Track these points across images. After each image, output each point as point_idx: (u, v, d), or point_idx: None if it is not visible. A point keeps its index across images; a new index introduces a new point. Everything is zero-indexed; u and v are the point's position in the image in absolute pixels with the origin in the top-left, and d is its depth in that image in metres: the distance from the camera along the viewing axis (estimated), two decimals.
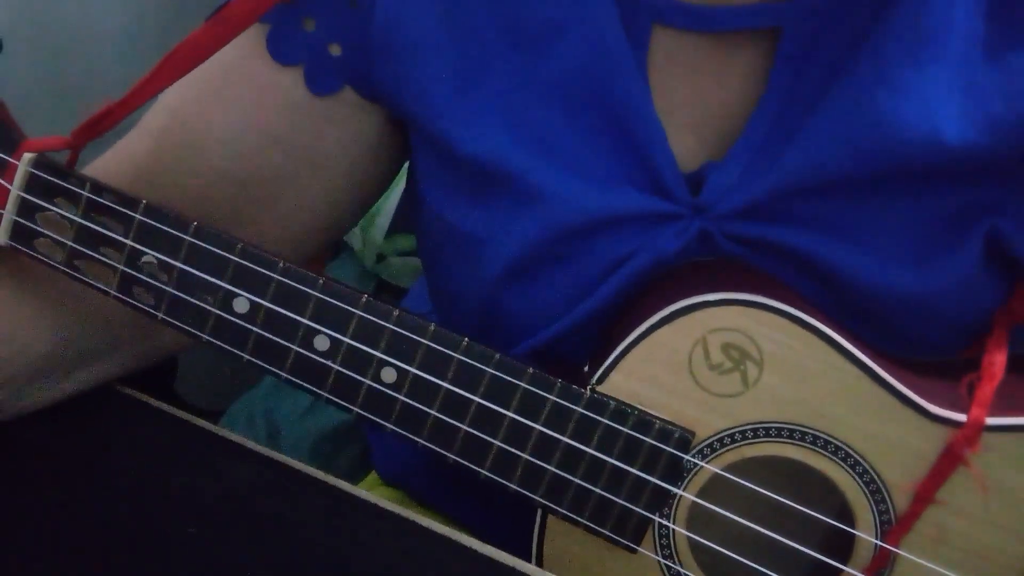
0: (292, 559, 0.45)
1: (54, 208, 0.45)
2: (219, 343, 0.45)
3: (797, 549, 0.43)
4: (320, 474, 0.49)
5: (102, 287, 0.45)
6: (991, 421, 0.41)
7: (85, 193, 0.45)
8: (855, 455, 0.42)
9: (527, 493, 0.44)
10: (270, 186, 0.52)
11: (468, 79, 0.47)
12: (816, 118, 0.44)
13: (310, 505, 0.47)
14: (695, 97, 0.47)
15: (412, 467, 0.66)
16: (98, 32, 0.92)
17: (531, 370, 0.43)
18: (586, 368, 0.47)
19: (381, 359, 0.44)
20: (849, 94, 0.43)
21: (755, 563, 0.43)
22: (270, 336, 0.44)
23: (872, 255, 0.45)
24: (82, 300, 0.49)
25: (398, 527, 0.46)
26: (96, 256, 0.45)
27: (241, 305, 0.44)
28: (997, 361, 0.42)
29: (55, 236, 0.45)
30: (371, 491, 0.67)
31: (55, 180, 0.45)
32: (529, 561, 0.47)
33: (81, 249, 0.45)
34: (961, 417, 0.41)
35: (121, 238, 0.45)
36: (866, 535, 0.43)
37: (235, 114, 0.50)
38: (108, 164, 0.51)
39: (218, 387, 0.98)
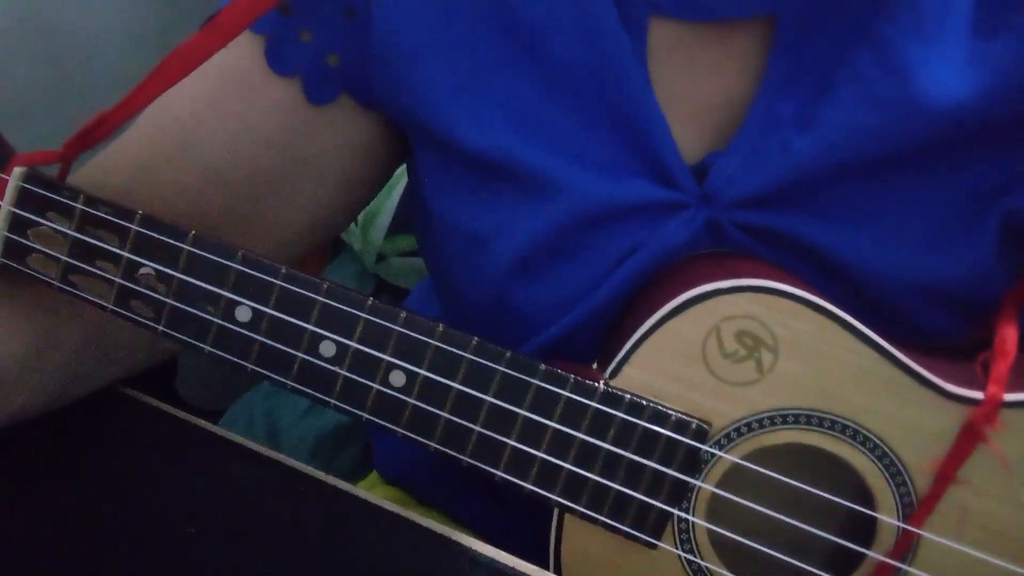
0: (292, 559, 0.44)
1: (47, 223, 0.44)
2: (222, 354, 0.44)
3: (819, 536, 0.42)
4: (320, 474, 0.49)
5: (98, 302, 0.44)
6: (1008, 397, 0.41)
7: (79, 206, 0.43)
8: (873, 438, 0.42)
9: (544, 492, 0.43)
10: (264, 187, 0.52)
11: (469, 77, 0.47)
12: (822, 105, 0.43)
13: (310, 505, 0.47)
14: (695, 88, 0.46)
15: (415, 466, 0.65)
16: (98, 32, 0.91)
17: (543, 367, 0.42)
18: (595, 365, 0.46)
19: (390, 363, 0.43)
20: (854, 77, 0.43)
21: (777, 552, 0.43)
22: (274, 344, 0.43)
23: (882, 242, 0.44)
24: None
25: (398, 527, 0.46)
26: (92, 270, 0.44)
27: (243, 314, 0.43)
28: (1009, 338, 0.42)
29: (49, 251, 0.44)
30: (371, 491, 0.66)
31: (47, 194, 0.44)
32: (547, 562, 0.46)
33: (76, 263, 0.44)
34: (978, 395, 0.41)
35: (117, 250, 0.44)
36: (888, 518, 0.42)
37: (231, 118, 0.50)
38: (103, 162, 0.51)
39: (218, 387, 0.97)
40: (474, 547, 0.44)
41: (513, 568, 0.44)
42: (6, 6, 0.87)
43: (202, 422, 0.51)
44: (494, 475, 0.43)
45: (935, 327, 0.46)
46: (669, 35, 0.46)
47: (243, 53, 0.50)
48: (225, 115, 0.51)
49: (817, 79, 0.44)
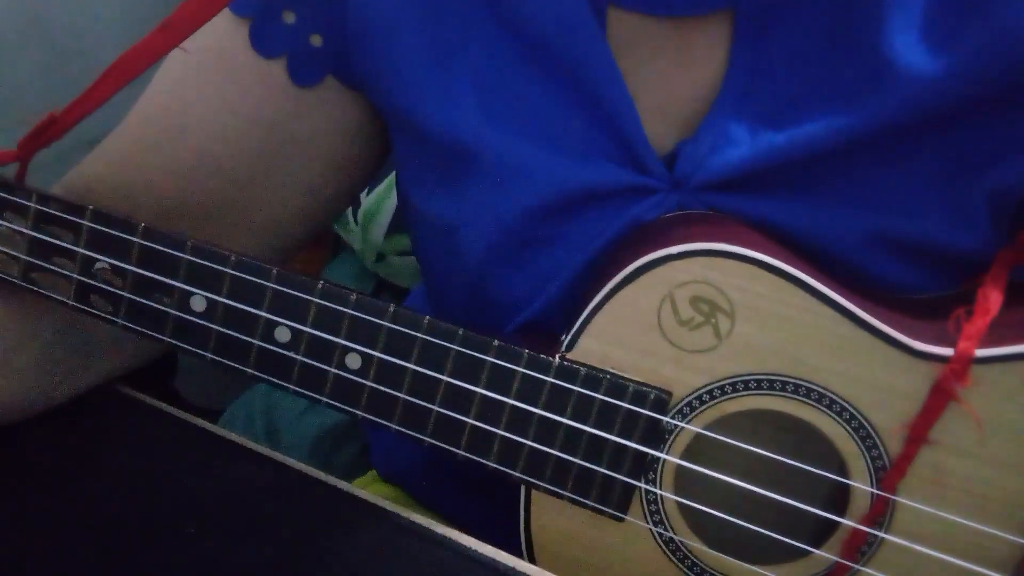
0: (291, 559, 0.44)
1: (4, 223, 0.44)
2: (181, 344, 0.44)
3: (791, 505, 0.41)
4: (320, 474, 0.48)
5: (60, 298, 0.45)
6: (980, 353, 0.39)
7: (32, 204, 0.44)
8: (840, 401, 0.40)
9: (506, 470, 0.43)
10: (255, 171, 0.52)
11: (445, 54, 0.47)
12: (792, 97, 0.43)
13: (309, 505, 0.47)
14: (659, 81, 0.46)
15: (411, 466, 0.65)
16: (98, 32, 0.91)
17: (496, 343, 0.41)
18: (563, 336, 0.45)
19: (344, 346, 0.42)
20: (823, 69, 0.42)
21: (749, 523, 0.41)
22: (230, 332, 0.43)
23: (858, 222, 0.43)
24: None
25: (398, 527, 0.45)
26: (50, 267, 0.44)
27: (198, 303, 0.43)
28: (992, 297, 0.40)
29: (9, 251, 0.45)
30: (368, 488, 0.66)
31: (2, 195, 0.44)
32: (519, 538, 0.45)
33: (35, 262, 0.45)
34: (948, 351, 0.39)
35: (72, 246, 0.44)
36: (860, 484, 0.41)
37: (218, 101, 0.50)
38: (99, 154, 0.52)
39: (218, 387, 0.97)
40: (474, 547, 0.44)
41: (512, 568, 0.43)
42: (6, 6, 0.88)
43: (201, 421, 0.52)
44: (456, 455, 0.43)
45: (910, 284, 0.44)
46: (630, 28, 0.45)
47: (229, 36, 0.50)
48: (212, 99, 0.51)
49: (784, 72, 0.43)
